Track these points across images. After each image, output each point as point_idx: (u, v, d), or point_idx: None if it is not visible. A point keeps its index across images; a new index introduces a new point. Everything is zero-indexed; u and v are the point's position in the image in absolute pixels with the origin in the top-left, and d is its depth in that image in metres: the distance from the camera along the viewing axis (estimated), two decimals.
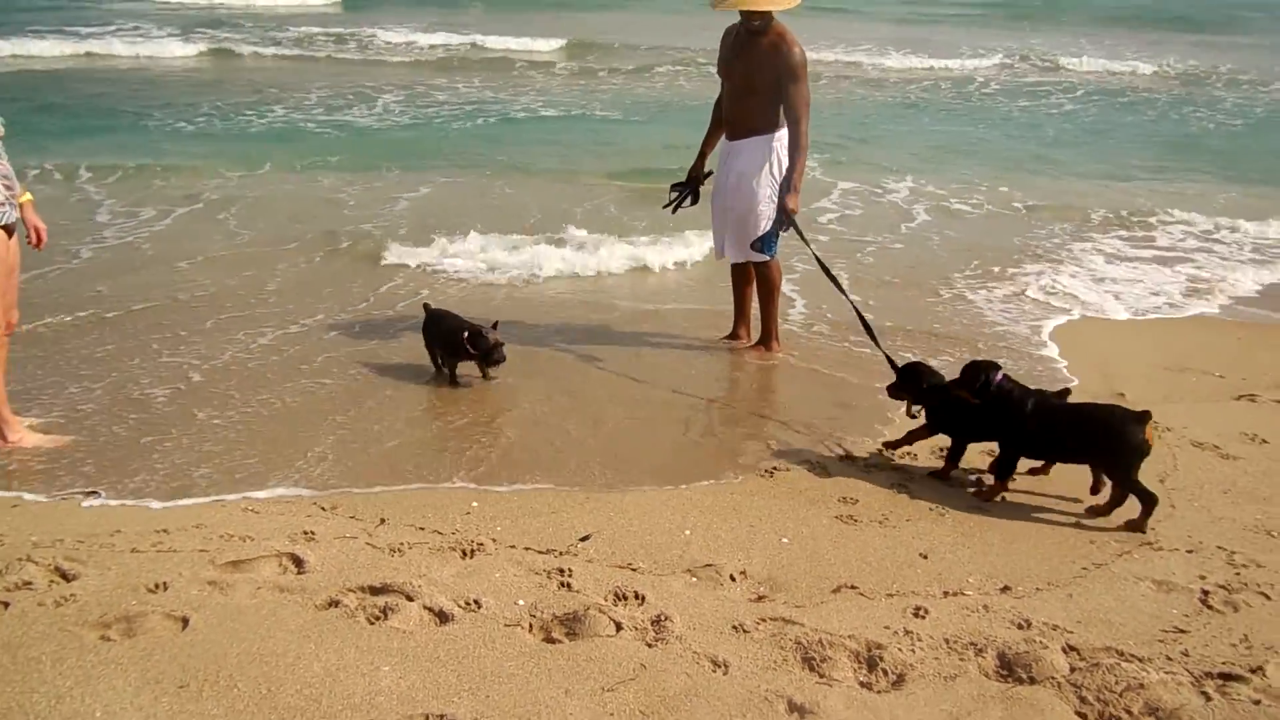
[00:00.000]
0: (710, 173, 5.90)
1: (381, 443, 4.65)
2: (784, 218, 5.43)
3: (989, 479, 4.32)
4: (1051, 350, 6.23)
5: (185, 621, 3.13)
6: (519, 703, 2.75)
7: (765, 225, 5.53)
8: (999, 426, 4.28)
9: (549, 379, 5.48)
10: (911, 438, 4.59)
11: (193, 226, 8.56)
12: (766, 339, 5.91)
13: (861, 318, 5.21)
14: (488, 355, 5.24)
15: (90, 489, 4.13)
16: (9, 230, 4.30)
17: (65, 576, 3.38)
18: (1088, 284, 7.70)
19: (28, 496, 4.08)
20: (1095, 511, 4.09)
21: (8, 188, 4.25)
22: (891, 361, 4.79)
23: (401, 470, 4.37)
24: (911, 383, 4.57)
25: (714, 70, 5.84)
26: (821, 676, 2.94)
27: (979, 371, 4.29)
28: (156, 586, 3.33)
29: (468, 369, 5.41)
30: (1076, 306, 7.17)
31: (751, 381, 5.69)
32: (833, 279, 5.45)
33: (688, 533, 3.84)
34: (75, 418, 4.80)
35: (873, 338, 5.11)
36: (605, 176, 10.93)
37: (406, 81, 17.29)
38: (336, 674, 2.87)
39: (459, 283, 7.24)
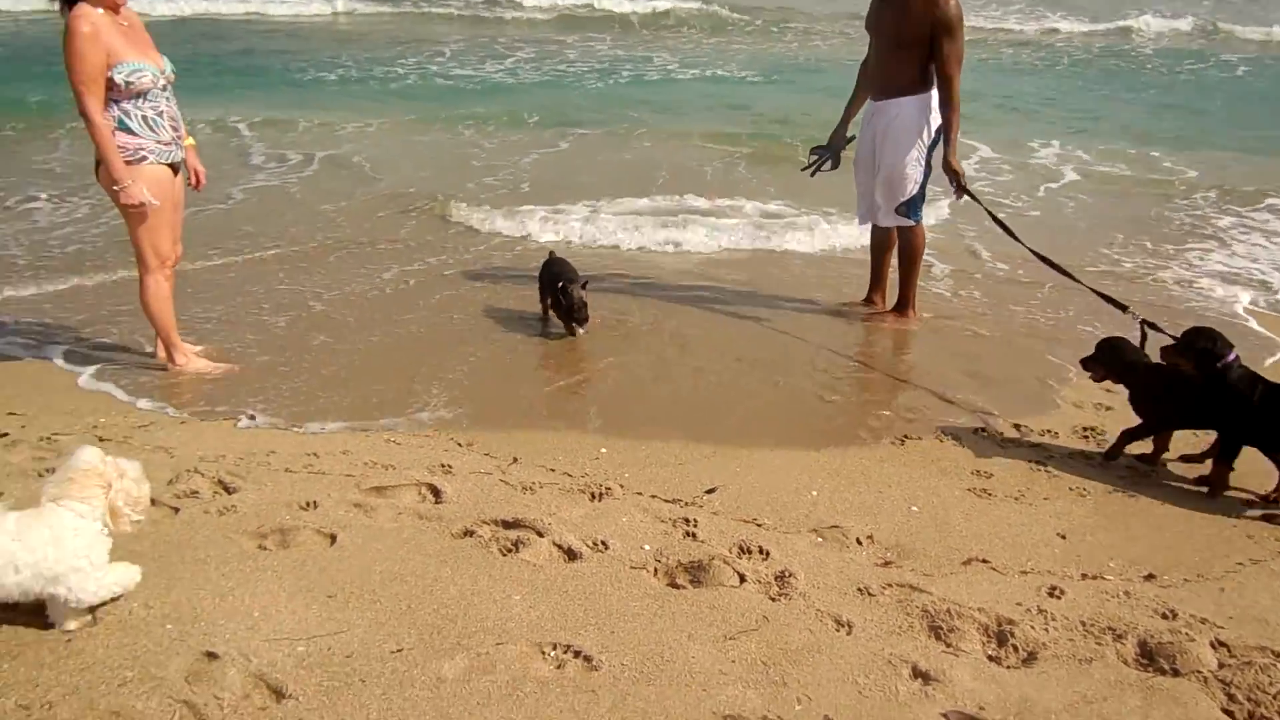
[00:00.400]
0: (853, 137, 5.77)
1: (513, 385, 4.79)
2: (952, 180, 5.25)
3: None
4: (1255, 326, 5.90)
5: (333, 538, 3.32)
6: (643, 641, 2.81)
7: (913, 189, 5.38)
8: (1219, 410, 3.87)
9: (678, 337, 5.52)
10: (1127, 438, 4.16)
11: (335, 172, 8.94)
12: (903, 305, 5.78)
13: (1053, 264, 5.09)
14: (569, 310, 5.29)
15: (249, 413, 4.40)
16: (175, 168, 4.59)
17: (227, 489, 3.63)
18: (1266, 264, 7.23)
19: (193, 416, 4.39)
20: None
21: (175, 129, 4.53)
22: (1113, 300, 4.70)
23: (533, 413, 4.50)
24: (1111, 357, 4.24)
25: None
26: (948, 646, 2.89)
27: (1203, 341, 3.84)
28: (307, 505, 3.54)
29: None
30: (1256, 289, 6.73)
31: (885, 348, 5.58)
32: (1010, 233, 5.27)
33: (814, 494, 3.82)
34: (232, 347, 5.12)
35: (1071, 277, 5.03)
36: (734, 139, 10.82)
37: (537, 38, 17.47)
38: (471, 598, 2.99)
39: (588, 248, 7.34)
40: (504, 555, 3.26)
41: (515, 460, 3.99)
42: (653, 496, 3.71)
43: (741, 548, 3.35)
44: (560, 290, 5.30)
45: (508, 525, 3.44)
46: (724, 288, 6.37)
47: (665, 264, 6.91)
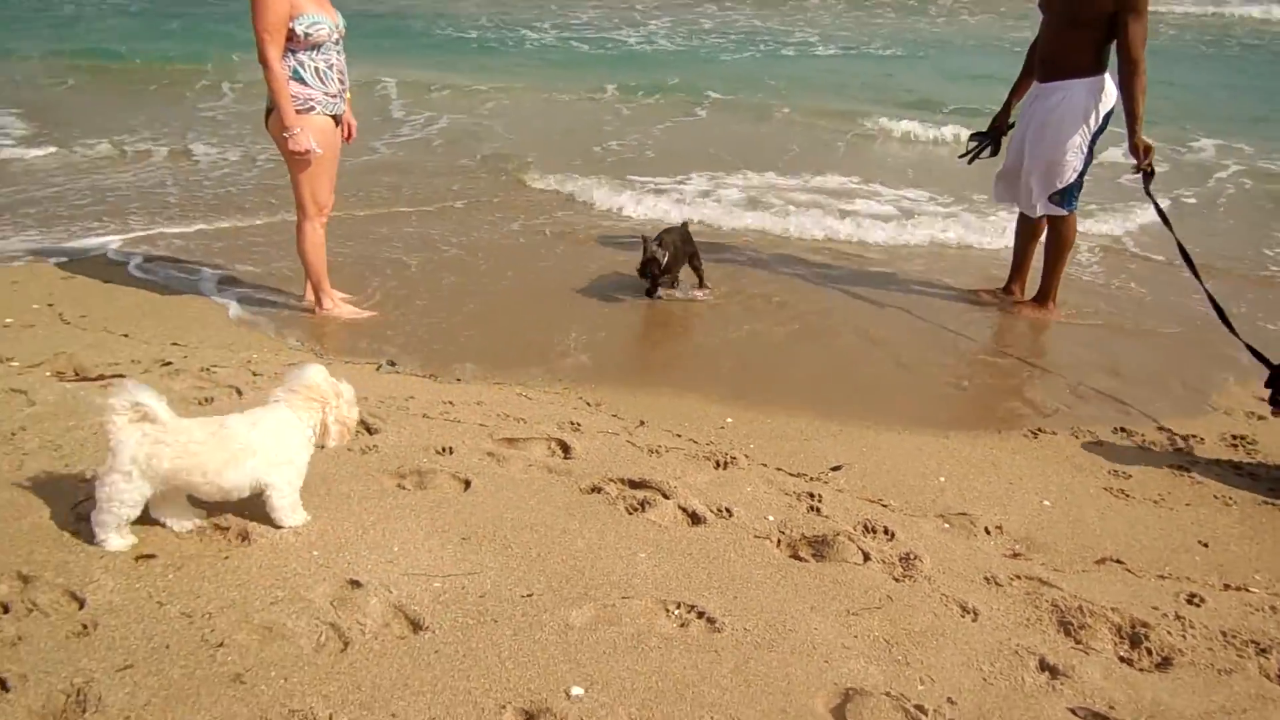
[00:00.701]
0: (1014, 124, 5.55)
1: (642, 350, 4.86)
2: (1141, 169, 4.96)
3: None
4: None
5: (467, 484, 3.45)
6: (765, 608, 2.83)
7: (1070, 176, 5.15)
8: None
9: (805, 314, 5.48)
10: None
11: (472, 129, 9.16)
12: (1044, 296, 5.58)
13: (1214, 302, 4.60)
14: (641, 265, 5.33)
15: (389, 360, 4.59)
16: (337, 120, 4.80)
17: (369, 429, 3.81)
18: None
19: (336, 358, 4.60)
20: None
21: (341, 82, 4.73)
22: (1261, 357, 4.25)
23: (660, 378, 4.55)
24: None
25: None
26: (1078, 643, 2.81)
27: None
28: (443, 450, 3.68)
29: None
30: None
31: (1022, 339, 5.41)
32: (1183, 252, 4.82)
33: (942, 479, 3.75)
34: (375, 296, 5.34)
35: (1229, 326, 4.54)
36: (872, 117, 10.58)
37: (674, 5, 17.39)
38: (598, 551, 3.07)
39: (707, 225, 7.33)
40: (630, 514, 3.33)
41: (642, 423, 4.05)
42: (777, 469, 3.72)
43: (866, 526, 3.33)
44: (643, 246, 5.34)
45: (634, 485, 3.50)
46: (854, 269, 6.28)
47: (791, 242, 6.84)
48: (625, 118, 10.18)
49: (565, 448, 3.77)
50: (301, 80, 4.60)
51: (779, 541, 3.22)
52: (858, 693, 2.50)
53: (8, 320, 4.86)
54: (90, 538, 2.94)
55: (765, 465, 3.74)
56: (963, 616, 2.88)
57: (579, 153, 8.57)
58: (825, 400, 4.41)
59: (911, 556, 3.16)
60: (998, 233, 6.80)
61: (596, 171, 8.07)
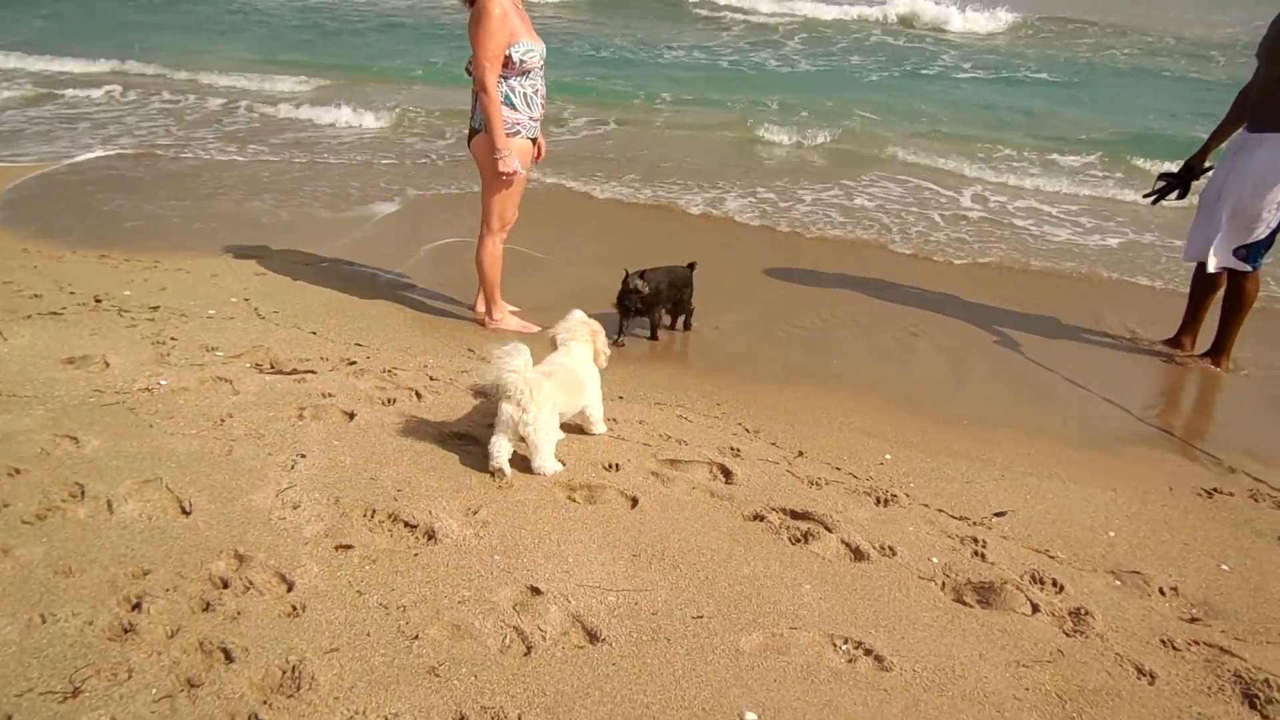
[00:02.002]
0: (1210, 168, 5.34)
1: (794, 378, 4.90)
2: None
3: None
4: None
5: (635, 501, 3.57)
6: (934, 652, 2.84)
7: (1263, 232, 4.92)
8: None
9: (967, 355, 5.41)
10: None
11: (625, 142, 9.38)
12: (1218, 351, 5.34)
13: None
14: (619, 296, 5.20)
15: None
16: (534, 141, 5.05)
17: None
18: None
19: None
20: None
21: (542, 106, 4.97)
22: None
23: (820, 410, 4.57)
24: None
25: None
26: (1265, 718, 2.72)
27: None
28: (610, 466, 3.82)
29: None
30: None
31: (1195, 394, 5.20)
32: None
33: (1111, 534, 3.66)
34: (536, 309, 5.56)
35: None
36: (1030, 149, 10.31)
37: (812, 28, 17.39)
38: (764, 580, 3.14)
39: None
40: (793, 544, 3.38)
41: (801, 453, 4.10)
42: (939, 510, 3.71)
43: (1034, 577, 3.28)
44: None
45: (796, 516, 3.55)
46: (1019, 312, 6.14)
47: (953, 277, 6.75)
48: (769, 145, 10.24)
49: (727, 473, 3.85)
50: (512, 105, 4.86)
51: (944, 585, 3.22)
52: None
53: (211, 311, 5.29)
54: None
55: (927, 505, 3.73)
56: (1139, 678, 2.82)
57: (720, 175, 8.66)
58: (987, 444, 4.35)
59: (1082, 611, 3.11)
60: (1169, 284, 6.54)
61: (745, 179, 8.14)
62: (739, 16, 19.26)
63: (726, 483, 3.80)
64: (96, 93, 11.64)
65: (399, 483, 3.57)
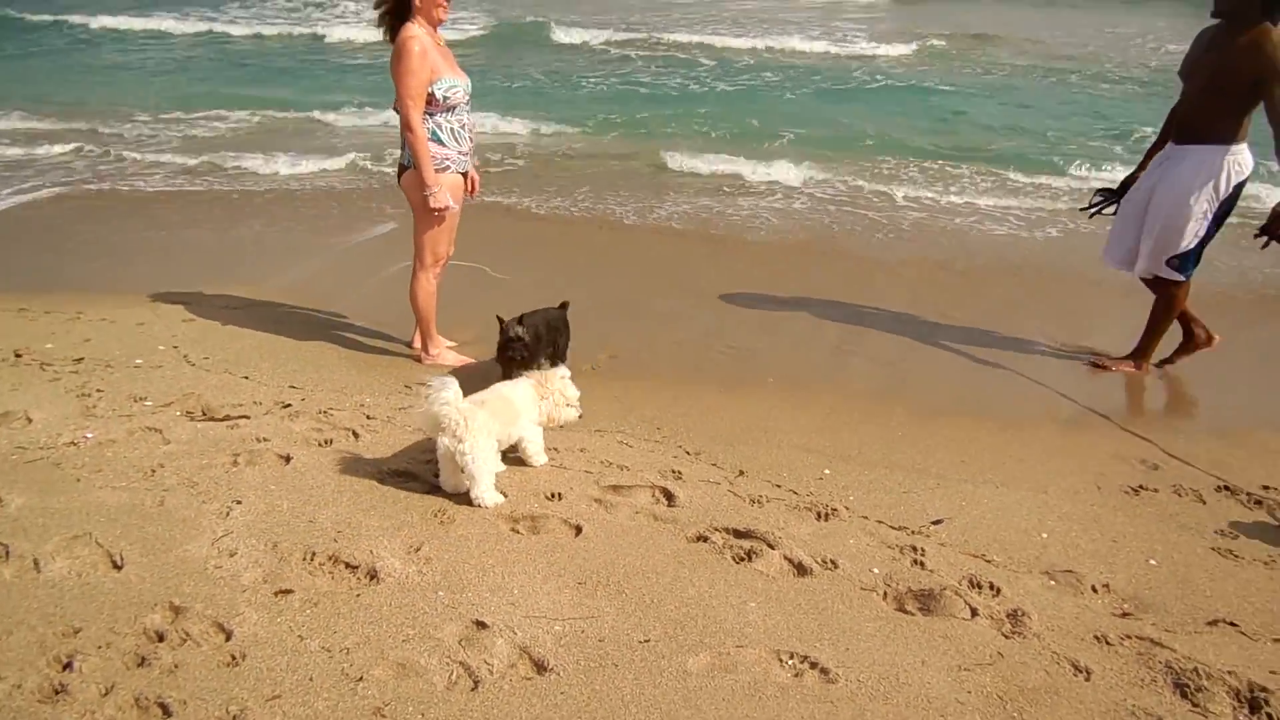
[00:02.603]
0: None
1: (735, 399, 4.95)
2: (1271, 233, 4.81)
3: None
4: None
5: (578, 529, 3.58)
6: (877, 661, 2.89)
7: (1190, 243, 5.10)
8: None
9: (894, 364, 5.52)
10: None
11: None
12: (1140, 355, 5.51)
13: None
14: (500, 347, 4.81)
15: None
16: (466, 175, 5.07)
17: None
18: None
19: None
20: None
21: (470, 140, 5.01)
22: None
23: (755, 428, 4.63)
24: None
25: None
26: (1195, 705, 2.81)
27: None
28: (553, 495, 3.82)
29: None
30: None
31: (1116, 395, 5.37)
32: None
33: (1044, 535, 3.76)
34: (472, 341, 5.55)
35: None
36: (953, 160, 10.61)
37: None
38: (709, 600, 3.16)
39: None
40: (737, 563, 3.42)
41: (741, 473, 4.14)
42: (879, 521, 3.77)
43: (971, 581, 3.36)
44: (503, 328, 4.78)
45: (739, 535, 3.59)
46: (952, 312, 6.29)
47: (888, 278, 6.89)
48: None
49: (669, 496, 3.88)
50: (439, 141, 4.87)
51: (885, 594, 3.28)
52: None
53: (138, 361, 5.17)
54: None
55: (866, 517, 3.80)
56: (1075, 675, 2.90)
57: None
58: (920, 453, 4.44)
59: (1019, 613, 3.19)
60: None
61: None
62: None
63: (669, 505, 3.82)
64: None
65: (339, 524, 3.53)
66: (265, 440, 4.20)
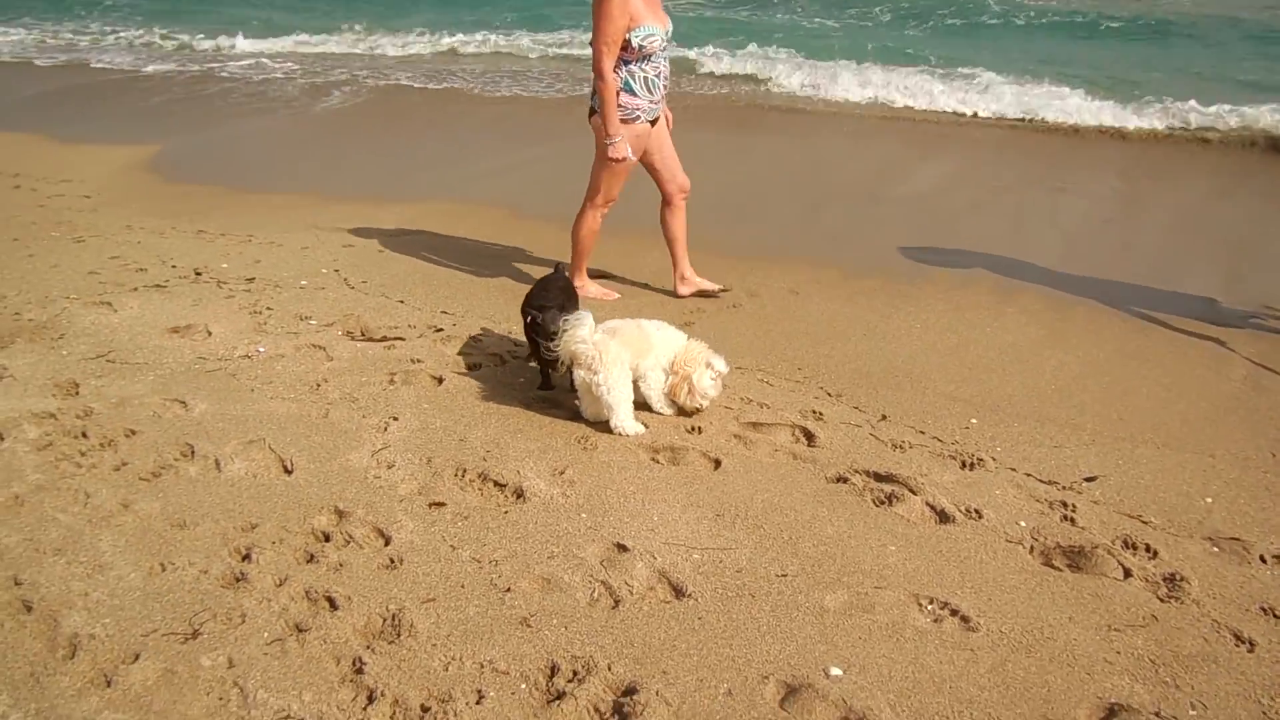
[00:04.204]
0: None
1: (883, 343, 4.86)
2: None
3: None
4: None
5: (717, 463, 3.61)
6: (1022, 614, 2.82)
7: None
8: None
9: (1052, 317, 5.28)
10: None
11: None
12: None
13: None
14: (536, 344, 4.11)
15: None
16: (653, 122, 5.00)
17: None
18: None
19: None
20: None
21: (664, 87, 4.93)
22: None
23: (899, 372, 4.53)
24: None
25: None
26: None
27: None
28: (693, 429, 3.86)
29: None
30: None
31: None
32: None
33: (1208, 500, 3.56)
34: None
35: None
36: None
37: None
38: (847, 540, 3.15)
39: None
40: (877, 506, 3.39)
41: (884, 418, 4.07)
42: (1027, 474, 3.65)
43: (1126, 542, 3.22)
44: (531, 322, 4.10)
45: (880, 478, 3.55)
46: (1117, 280, 5.96)
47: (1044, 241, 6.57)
48: None
49: (809, 435, 3.86)
50: (631, 91, 4.76)
51: (1032, 548, 3.18)
52: (1124, 709, 2.46)
53: (303, 282, 5.47)
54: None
55: (1014, 470, 3.69)
56: (1237, 645, 2.76)
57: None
58: (1075, 408, 4.24)
59: (1177, 577, 3.04)
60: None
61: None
62: None
63: (809, 445, 3.81)
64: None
65: (487, 444, 3.67)
66: (419, 361, 4.39)
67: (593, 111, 4.94)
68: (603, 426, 3.81)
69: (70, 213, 6.88)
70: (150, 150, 9.03)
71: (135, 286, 5.27)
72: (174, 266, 5.66)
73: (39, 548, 2.94)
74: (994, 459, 3.75)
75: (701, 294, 5.40)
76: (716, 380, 3.87)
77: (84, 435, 3.60)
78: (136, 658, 2.51)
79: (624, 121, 4.80)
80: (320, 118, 10.81)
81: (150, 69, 13.66)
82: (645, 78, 4.78)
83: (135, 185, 7.91)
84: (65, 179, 7.92)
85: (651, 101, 4.86)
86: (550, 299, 4.11)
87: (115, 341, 4.49)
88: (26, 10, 17.18)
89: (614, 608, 2.79)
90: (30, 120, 10.33)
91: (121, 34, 15.70)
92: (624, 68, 4.71)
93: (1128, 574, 3.05)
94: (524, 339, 4.36)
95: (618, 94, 4.73)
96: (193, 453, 3.54)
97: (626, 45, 4.62)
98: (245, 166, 8.60)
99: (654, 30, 4.65)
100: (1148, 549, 3.20)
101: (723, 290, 5.39)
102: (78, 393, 3.96)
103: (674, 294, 5.42)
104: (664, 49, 4.77)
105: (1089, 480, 3.64)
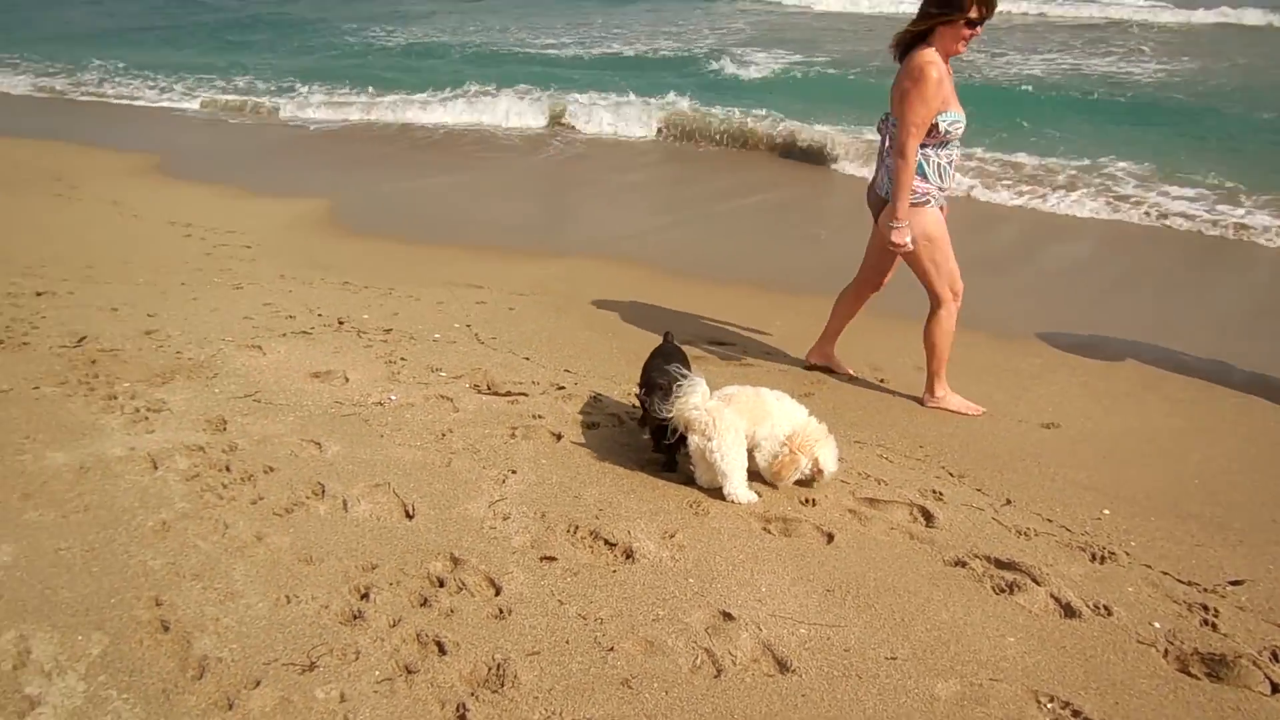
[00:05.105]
0: None
1: (1000, 424, 4.70)
2: None
3: None
4: None
5: (830, 537, 3.55)
6: None
7: None
8: None
9: (1195, 406, 4.99)
10: None
11: None
12: None
13: None
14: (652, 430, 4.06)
15: None
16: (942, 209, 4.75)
17: None
18: None
19: None
20: None
21: (954, 176, 4.73)
22: None
23: (1025, 457, 4.37)
24: None
25: None
26: None
27: None
28: (807, 501, 3.81)
29: None
30: None
31: None
32: None
33: None
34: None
35: None
36: None
37: None
38: (963, 627, 3.03)
39: None
40: (997, 594, 3.25)
41: (1009, 502, 3.92)
42: (1164, 573, 3.44)
43: (1275, 654, 2.98)
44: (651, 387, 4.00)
45: (1001, 565, 3.41)
46: (1274, 375, 5.61)
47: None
48: None
49: (928, 515, 3.76)
50: (924, 175, 4.56)
51: (1166, 652, 2.99)
52: None
53: (436, 336, 5.71)
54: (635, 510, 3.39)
55: (1149, 566, 3.48)
56: None
57: None
58: (1219, 505, 3.99)
59: None
60: None
61: None
62: None
63: (927, 526, 3.70)
64: None
65: (600, 502, 3.72)
66: (540, 417, 4.50)
67: (879, 198, 4.74)
68: (715, 492, 3.80)
69: (234, 261, 7.41)
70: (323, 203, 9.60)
71: (284, 333, 5.62)
72: (319, 315, 6.01)
73: (179, 572, 3.14)
74: (1128, 553, 3.55)
75: (946, 410, 4.93)
76: (818, 473, 3.83)
77: (228, 469, 3.84)
78: (258, 684, 2.63)
79: (914, 206, 4.58)
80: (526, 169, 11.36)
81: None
82: (939, 164, 4.58)
83: (295, 237, 8.45)
84: (235, 229, 8.52)
85: (940, 189, 4.64)
86: (660, 374, 3.99)
87: (262, 382, 4.79)
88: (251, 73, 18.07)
89: (716, 677, 2.76)
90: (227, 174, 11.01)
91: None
92: (920, 151, 4.52)
93: (1275, 689, 2.82)
94: (638, 404, 4.44)
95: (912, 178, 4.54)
96: (323, 492, 3.72)
97: (933, 129, 4.47)
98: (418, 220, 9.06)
99: (959, 118, 4.50)
100: None
101: (981, 413, 4.91)
102: (225, 429, 4.23)
103: (919, 402, 5.02)
104: (960, 137, 4.62)
105: (1234, 584, 3.40)
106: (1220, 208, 8.72)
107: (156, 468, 3.82)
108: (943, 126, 4.46)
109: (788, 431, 3.84)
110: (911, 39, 4.50)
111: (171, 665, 2.70)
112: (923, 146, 4.51)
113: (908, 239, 4.61)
